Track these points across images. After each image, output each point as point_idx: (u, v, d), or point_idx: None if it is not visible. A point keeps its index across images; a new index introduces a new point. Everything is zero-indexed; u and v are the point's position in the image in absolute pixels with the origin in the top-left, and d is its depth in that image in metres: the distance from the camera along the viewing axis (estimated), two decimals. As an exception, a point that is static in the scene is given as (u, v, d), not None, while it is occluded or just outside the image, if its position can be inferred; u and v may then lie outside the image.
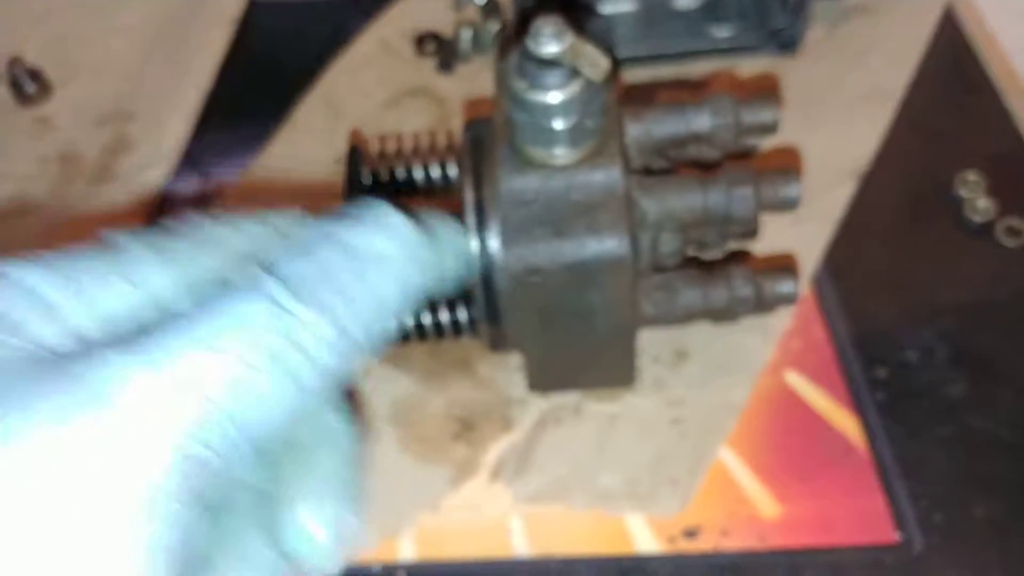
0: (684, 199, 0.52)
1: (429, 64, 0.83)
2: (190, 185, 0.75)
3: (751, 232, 0.63)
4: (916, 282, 0.66)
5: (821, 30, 0.81)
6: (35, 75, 0.83)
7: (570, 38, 0.47)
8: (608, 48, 0.49)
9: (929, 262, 0.67)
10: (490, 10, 0.85)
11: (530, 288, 0.51)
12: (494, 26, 0.83)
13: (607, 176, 0.50)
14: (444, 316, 0.58)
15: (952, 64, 0.79)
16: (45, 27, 0.88)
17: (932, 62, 0.78)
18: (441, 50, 0.83)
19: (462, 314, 0.58)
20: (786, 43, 0.78)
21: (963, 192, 0.68)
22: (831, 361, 0.63)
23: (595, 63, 0.47)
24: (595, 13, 0.78)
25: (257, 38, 0.87)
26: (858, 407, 0.60)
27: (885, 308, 0.65)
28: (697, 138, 0.56)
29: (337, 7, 0.90)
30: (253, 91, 0.83)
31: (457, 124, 0.78)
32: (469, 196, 0.54)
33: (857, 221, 0.69)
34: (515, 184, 0.50)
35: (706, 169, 0.61)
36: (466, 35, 0.83)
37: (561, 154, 0.50)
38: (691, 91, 0.79)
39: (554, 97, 0.47)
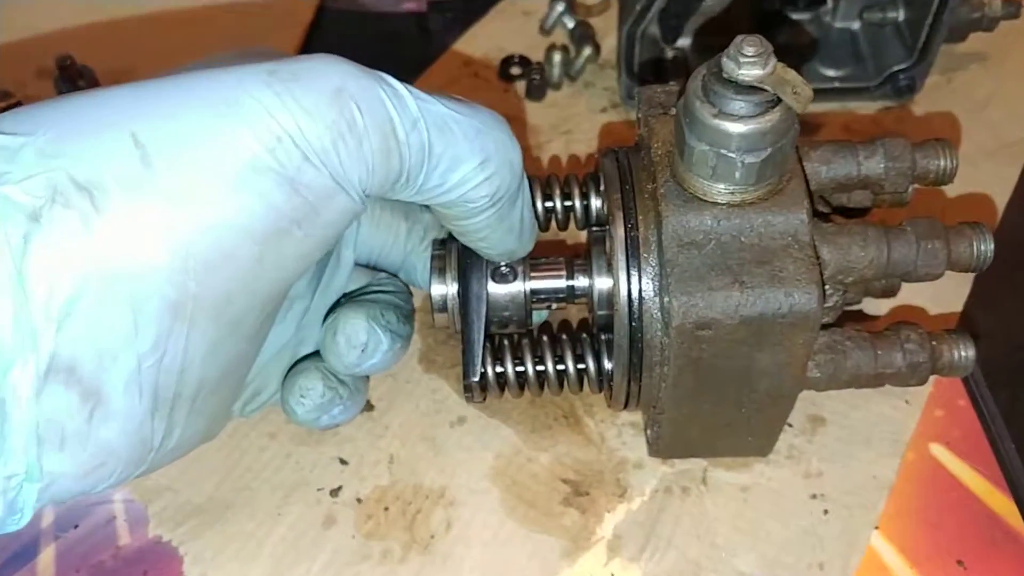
0: (868, 251, 0.46)
1: (516, 88, 0.77)
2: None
3: (892, 289, 0.57)
4: (1063, 350, 0.60)
5: (935, 76, 0.76)
6: (84, 73, 0.76)
7: (773, 61, 0.41)
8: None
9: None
10: (581, 34, 0.79)
11: (695, 343, 0.44)
12: (586, 51, 0.77)
13: (792, 219, 0.44)
14: (570, 365, 0.51)
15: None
16: (88, 23, 0.82)
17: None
18: (528, 75, 0.77)
19: (592, 365, 0.51)
20: (904, 87, 0.73)
21: (1109, 256, 0.63)
22: (978, 434, 0.57)
23: (798, 90, 0.41)
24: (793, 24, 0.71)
25: (328, 45, 0.81)
26: (1014, 487, 0.54)
27: (1032, 376, 0.59)
28: (865, 183, 0.50)
29: (414, 20, 0.84)
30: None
31: (549, 153, 0.72)
32: (619, 232, 0.47)
33: (994, 277, 0.63)
34: (685, 222, 0.44)
35: (851, 217, 0.55)
36: (556, 60, 0.77)
37: (740, 191, 0.44)
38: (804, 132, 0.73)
39: (748, 126, 0.41)
